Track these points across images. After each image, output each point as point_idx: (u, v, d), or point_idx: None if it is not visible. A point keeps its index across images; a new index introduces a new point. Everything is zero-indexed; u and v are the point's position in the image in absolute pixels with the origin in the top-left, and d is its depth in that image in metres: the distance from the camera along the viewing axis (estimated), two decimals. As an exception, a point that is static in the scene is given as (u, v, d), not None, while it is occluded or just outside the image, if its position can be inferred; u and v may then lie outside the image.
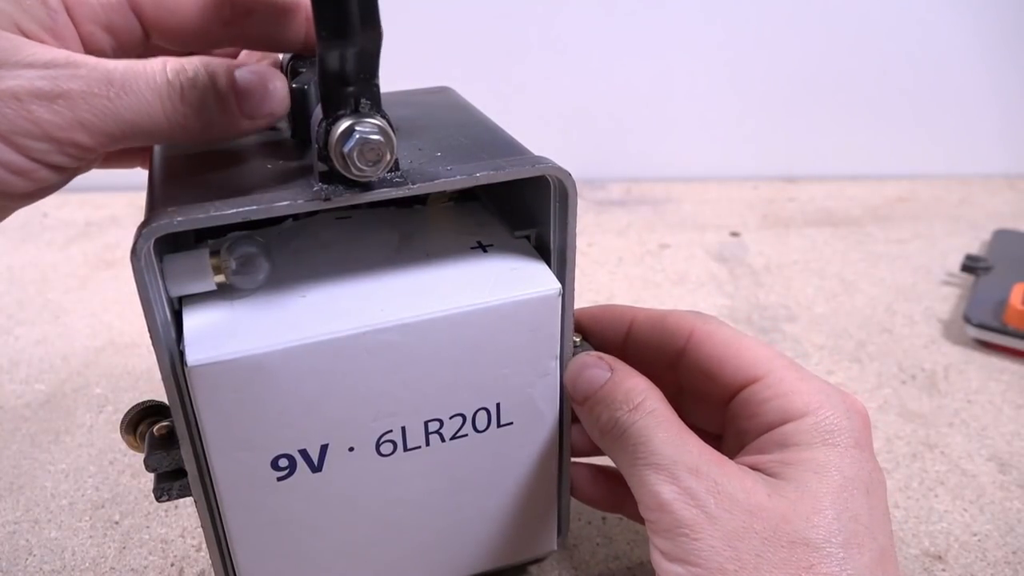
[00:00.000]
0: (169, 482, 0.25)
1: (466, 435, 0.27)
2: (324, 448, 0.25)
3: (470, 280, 0.26)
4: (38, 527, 0.36)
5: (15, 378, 0.47)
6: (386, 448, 0.26)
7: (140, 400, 0.27)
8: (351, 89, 0.21)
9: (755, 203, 0.76)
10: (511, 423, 0.27)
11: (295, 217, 0.29)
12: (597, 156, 0.81)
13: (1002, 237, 0.64)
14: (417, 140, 0.27)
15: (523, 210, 0.28)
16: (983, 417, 0.44)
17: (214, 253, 0.24)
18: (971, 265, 0.57)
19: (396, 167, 0.23)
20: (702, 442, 0.24)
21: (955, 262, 0.60)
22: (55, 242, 0.67)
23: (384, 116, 0.22)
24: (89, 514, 0.37)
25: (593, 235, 0.68)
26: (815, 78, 0.79)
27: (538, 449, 0.28)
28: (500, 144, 0.27)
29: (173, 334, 0.23)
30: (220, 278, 0.24)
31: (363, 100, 0.21)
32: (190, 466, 0.24)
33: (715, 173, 0.82)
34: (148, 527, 0.36)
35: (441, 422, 0.26)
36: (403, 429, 0.25)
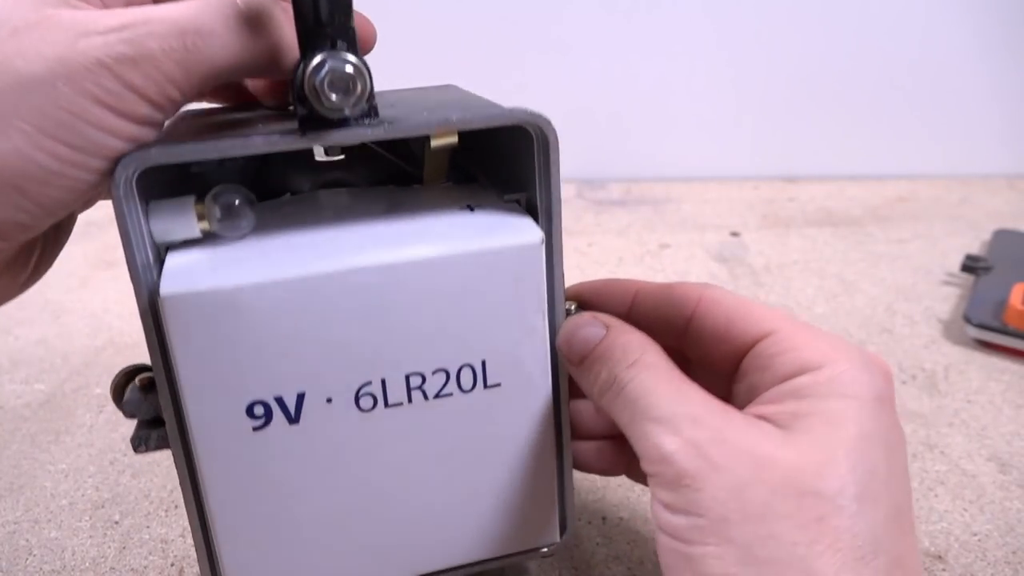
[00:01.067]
0: (147, 430, 0.25)
1: (451, 394, 0.26)
2: (301, 397, 0.24)
3: (453, 230, 0.25)
4: (38, 527, 0.36)
5: (15, 378, 0.47)
6: (366, 402, 0.25)
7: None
8: (327, 30, 0.22)
9: (755, 203, 0.76)
10: (499, 384, 0.26)
11: (292, 192, 0.29)
12: (597, 156, 0.82)
13: (1002, 237, 0.64)
14: (407, 107, 0.27)
15: (515, 180, 0.28)
16: (983, 417, 0.44)
17: (199, 201, 0.24)
18: (971, 265, 0.57)
19: (375, 112, 0.23)
20: (706, 393, 0.23)
21: (955, 262, 0.60)
22: (55, 242, 0.67)
23: (359, 56, 0.22)
24: (89, 514, 0.37)
25: (593, 235, 0.68)
26: (815, 78, 0.79)
27: (532, 420, 0.27)
28: (487, 104, 0.27)
29: (154, 275, 0.23)
30: (204, 225, 0.24)
31: (339, 42, 0.22)
32: (167, 412, 0.24)
33: (715, 173, 0.82)
34: (148, 527, 0.36)
35: (423, 377, 0.25)
36: (383, 382, 0.25)
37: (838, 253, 0.65)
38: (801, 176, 0.83)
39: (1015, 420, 0.43)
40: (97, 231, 0.69)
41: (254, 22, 0.23)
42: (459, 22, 0.74)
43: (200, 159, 0.22)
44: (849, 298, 0.57)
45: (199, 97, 0.23)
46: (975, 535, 0.35)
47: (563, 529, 0.30)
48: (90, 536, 0.36)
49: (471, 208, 0.27)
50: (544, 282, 0.26)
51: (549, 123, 0.24)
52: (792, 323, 0.25)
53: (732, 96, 0.80)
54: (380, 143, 0.35)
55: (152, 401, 0.24)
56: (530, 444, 0.28)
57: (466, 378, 0.26)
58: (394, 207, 0.28)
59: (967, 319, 0.50)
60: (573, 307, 0.28)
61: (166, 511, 0.37)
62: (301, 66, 0.22)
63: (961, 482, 0.39)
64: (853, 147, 0.83)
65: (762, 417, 0.23)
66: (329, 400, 0.24)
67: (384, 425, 0.25)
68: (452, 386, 0.26)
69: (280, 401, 0.24)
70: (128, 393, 0.25)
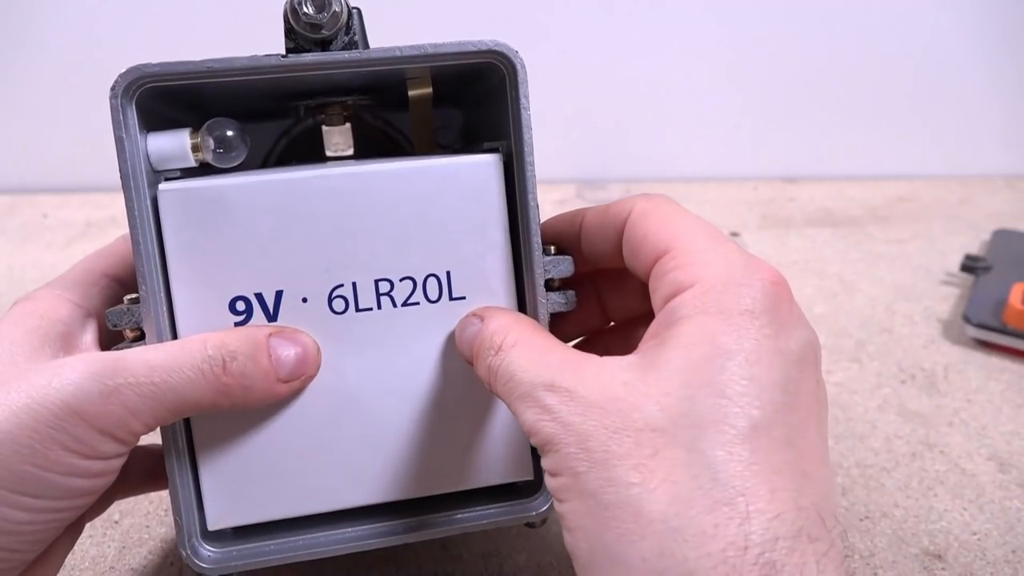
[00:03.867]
0: (128, 345, 0.26)
1: (418, 303, 0.27)
2: (279, 295, 0.26)
3: (422, 158, 0.28)
4: (38, 527, 0.36)
5: (15, 378, 0.47)
6: (338, 304, 0.27)
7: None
8: None
9: (755, 203, 0.76)
10: (464, 297, 0.28)
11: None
12: (597, 156, 0.82)
13: (1002, 237, 0.64)
14: None
15: (495, 135, 0.29)
16: (982, 416, 0.44)
17: (194, 133, 0.26)
18: (971, 265, 0.57)
19: (356, 44, 0.26)
20: (566, 351, 0.24)
21: (955, 262, 0.60)
22: (55, 243, 0.67)
23: None
24: (89, 514, 0.37)
25: (593, 235, 0.68)
26: (815, 78, 0.79)
27: None
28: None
29: (147, 189, 0.25)
30: (199, 155, 0.26)
31: None
32: (148, 323, 0.25)
33: (715, 173, 0.82)
34: (148, 527, 0.36)
35: (391, 283, 0.27)
36: (354, 285, 0.27)
37: (838, 253, 0.65)
38: (801, 176, 0.83)
39: (1014, 420, 0.43)
40: (97, 231, 0.69)
41: (227, 370, 0.24)
42: (457, 22, 0.74)
43: (192, 72, 0.24)
44: (849, 298, 0.57)
45: (163, 424, 0.25)
46: (975, 534, 0.35)
47: (540, 478, 0.29)
48: (90, 536, 0.36)
49: (447, 151, 0.30)
50: (502, 199, 0.27)
51: (516, 52, 0.26)
52: (694, 236, 0.24)
53: (732, 96, 0.80)
54: (390, 126, 0.36)
55: (134, 311, 0.25)
56: None
57: (432, 288, 0.27)
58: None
59: (966, 319, 0.50)
60: (552, 249, 0.28)
61: (166, 511, 0.37)
62: (285, 7, 0.25)
63: (960, 481, 0.39)
64: (853, 147, 0.83)
65: (641, 353, 0.23)
66: (305, 300, 0.26)
67: (356, 329, 0.27)
68: (419, 295, 0.27)
69: (260, 297, 0.26)
70: (113, 309, 0.26)
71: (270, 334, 0.25)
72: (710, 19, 0.76)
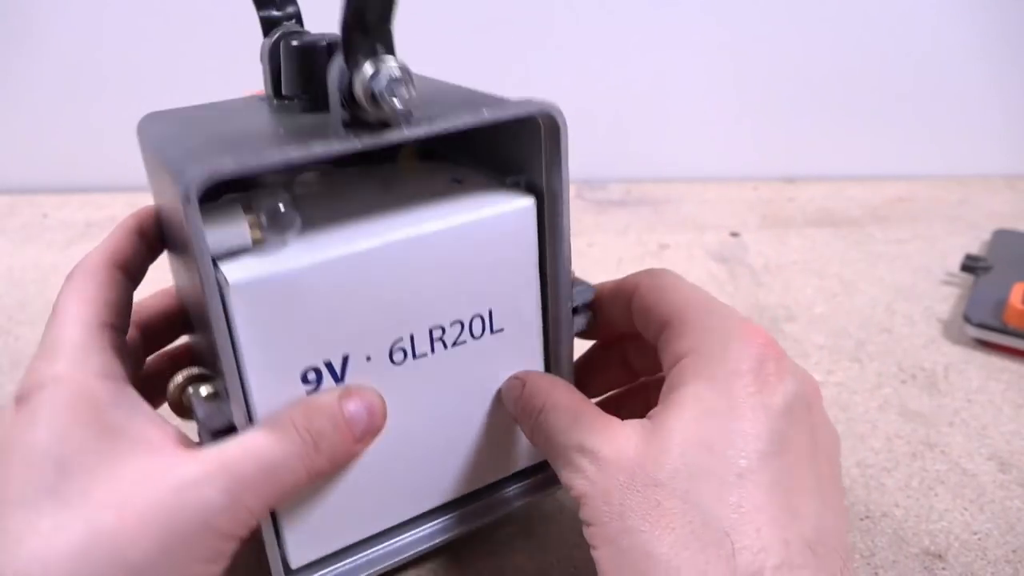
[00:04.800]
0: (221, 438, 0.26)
1: (465, 342, 0.30)
2: (346, 359, 0.27)
3: (460, 203, 0.29)
4: (39, 527, 0.36)
5: (15, 379, 0.47)
6: (398, 356, 0.28)
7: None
8: (369, 36, 0.23)
9: (755, 203, 0.76)
10: (503, 329, 0.30)
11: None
12: (597, 156, 0.82)
13: (1002, 237, 0.64)
14: (420, 101, 0.29)
15: (504, 159, 0.30)
16: (983, 416, 0.44)
17: (247, 212, 0.25)
18: (971, 265, 0.57)
19: (411, 114, 0.25)
20: (596, 413, 0.27)
21: (955, 262, 0.60)
22: (56, 243, 0.67)
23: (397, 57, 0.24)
24: (90, 514, 0.37)
25: (593, 235, 0.68)
26: (815, 78, 0.79)
27: (528, 356, 0.32)
28: (484, 96, 0.29)
29: (214, 275, 0.24)
30: (256, 235, 0.25)
31: (379, 45, 0.23)
32: (238, 411, 0.25)
33: (715, 173, 0.82)
34: (148, 527, 0.36)
35: (443, 329, 0.29)
36: (411, 337, 0.28)
37: (837, 253, 0.65)
38: (801, 176, 0.83)
39: (1015, 419, 0.43)
40: (98, 232, 0.69)
41: (319, 449, 0.26)
42: (457, 22, 0.74)
43: (268, 167, 0.23)
44: (849, 298, 0.57)
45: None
46: (975, 534, 0.35)
47: None
48: (90, 536, 0.36)
49: (459, 181, 0.31)
50: (536, 239, 0.30)
51: (560, 112, 0.27)
52: (686, 311, 0.28)
53: (732, 96, 0.80)
54: None
55: (224, 409, 0.26)
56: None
57: (477, 326, 0.30)
58: (388, 187, 0.31)
59: (967, 319, 0.50)
60: (575, 276, 0.31)
61: (166, 511, 0.37)
62: (347, 74, 0.23)
63: (961, 481, 0.39)
64: (852, 147, 0.83)
65: (651, 417, 0.26)
66: (368, 358, 0.28)
67: (413, 374, 0.29)
68: (466, 334, 0.29)
69: (329, 365, 0.27)
70: (201, 409, 0.27)
71: (340, 397, 0.26)
72: (710, 19, 0.76)
